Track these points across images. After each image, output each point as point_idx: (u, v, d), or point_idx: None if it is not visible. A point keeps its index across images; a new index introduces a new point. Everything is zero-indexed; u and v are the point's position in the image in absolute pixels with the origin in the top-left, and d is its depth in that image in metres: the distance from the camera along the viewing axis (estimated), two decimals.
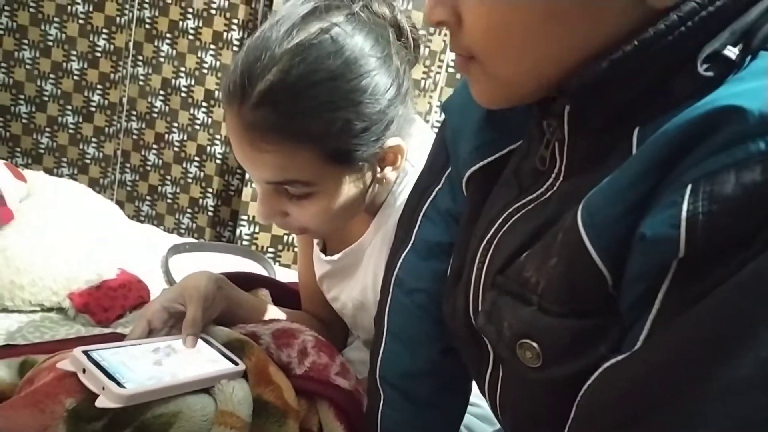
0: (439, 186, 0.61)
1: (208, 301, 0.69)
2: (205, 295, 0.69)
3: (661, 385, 0.32)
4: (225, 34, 1.95)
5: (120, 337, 0.87)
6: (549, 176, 0.44)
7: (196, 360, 0.62)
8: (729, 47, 0.35)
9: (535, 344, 0.39)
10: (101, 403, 0.51)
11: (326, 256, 0.84)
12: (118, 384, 0.53)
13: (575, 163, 0.42)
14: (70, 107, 2.05)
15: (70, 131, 2.08)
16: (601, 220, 0.35)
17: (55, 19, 1.96)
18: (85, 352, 0.55)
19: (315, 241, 0.88)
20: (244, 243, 1.94)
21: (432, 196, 0.62)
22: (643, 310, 0.34)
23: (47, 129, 2.07)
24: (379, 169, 0.69)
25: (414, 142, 0.72)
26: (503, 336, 0.43)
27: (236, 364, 0.64)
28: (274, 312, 0.85)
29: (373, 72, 0.63)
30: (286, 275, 1.28)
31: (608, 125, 0.39)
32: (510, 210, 0.46)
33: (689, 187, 0.31)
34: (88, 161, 2.11)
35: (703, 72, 0.35)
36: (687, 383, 0.30)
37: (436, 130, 0.64)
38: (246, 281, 0.90)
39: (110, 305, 0.97)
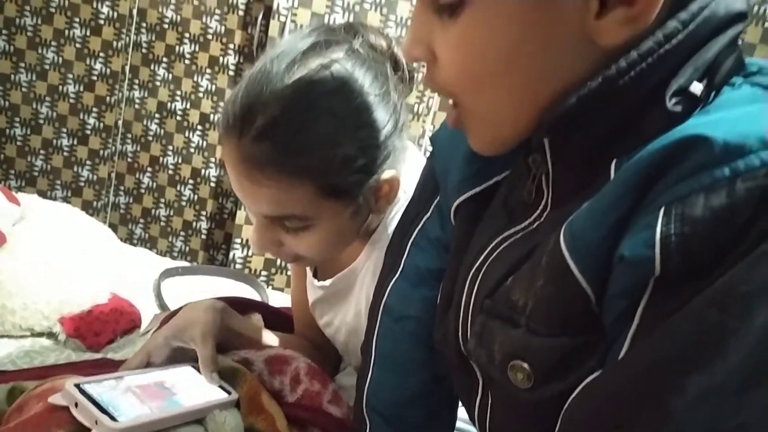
0: (428, 215, 0.62)
1: (217, 334, 0.69)
2: (215, 331, 0.69)
3: (638, 396, 0.33)
4: (221, 58, 1.97)
5: (110, 363, 0.87)
6: (537, 208, 0.46)
7: (189, 390, 0.62)
8: (695, 83, 0.37)
9: (525, 365, 0.40)
10: None
11: (318, 281, 0.84)
12: (111, 417, 0.52)
13: (560, 195, 0.43)
14: (65, 130, 2.06)
15: (65, 154, 2.08)
16: (582, 242, 0.37)
17: (53, 43, 1.98)
18: (77, 386, 0.55)
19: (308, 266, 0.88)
20: (237, 266, 1.93)
21: (421, 224, 0.62)
22: (624, 326, 0.35)
23: (42, 151, 2.08)
24: (374, 200, 0.69)
25: (406, 168, 0.72)
26: (494, 359, 0.43)
27: (229, 393, 0.63)
28: (267, 337, 0.84)
29: (372, 108, 0.63)
30: (279, 298, 1.28)
31: (588, 158, 0.41)
32: (498, 239, 0.48)
33: (662, 210, 0.33)
34: (82, 184, 2.11)
35: (671, 107, 0.37)
36: (663, 393, 0.32)
37: (429, 154, 0.65)
38: (239, 306, 0.89)
39: (101, 330, 0.96)
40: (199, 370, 0.66)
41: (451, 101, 0.46)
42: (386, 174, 0.67)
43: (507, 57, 0.39)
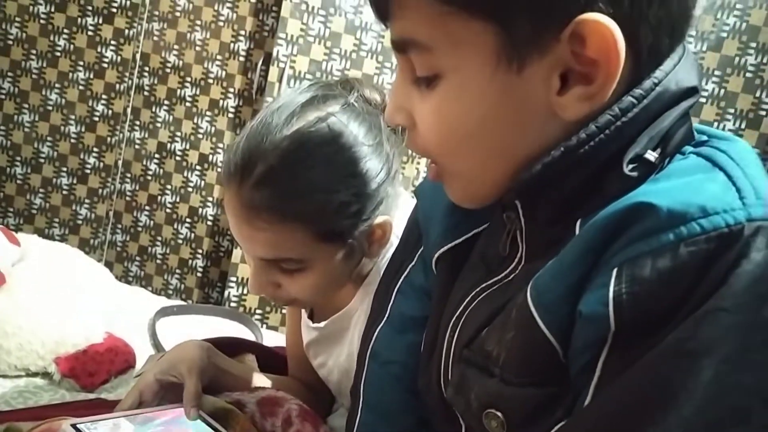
0: (413, 263, 0.65)
1: (204, 372, 0.71)
2: (201, 367, 0.71)
3: None
4: (221, 101, 2.03)
5: (104, 403, 0.87)
6: (512, 260, 0.49)
7: (183, 430, 0.63)
8: (649, 151, 0.41)
9: (499, 413, 0.42)
10: None
11: (314, 323, 0.85)
12: None
13: (533, 250, 0.46)
14: (65, 169, 2.10)
15: (64, 192, 2.11)
16: (547, 298, 0.40)
17: (56, 85, 2.04)
18: (74, 426, 0.56)
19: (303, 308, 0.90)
20: (233, 304, 1.94)
21: (406, 273, 0.65)
22: (587, 378, 0.37)
23: (41, 190, 2.11)
24: (367, 245, 0.72)
25: (399, 214, 0.75)
26: (471, 407, 0.45)
27: None
28: (259, 379, 0.85)
29: (365, 158, 0.67)
30: (274, 337, 1.29)
31: (556, 217, 0.44)
32: (477, 290, 0.50)
33: (615, 270, 0.36)
34: (79, 222, 2.13)
35: (628, 172, 0.40)
36: None
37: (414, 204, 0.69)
38: (233, 347, 0.91)
39: (96, 370, 0.97)
40: None
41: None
42: (379, 219, 0.70)
43: (478, 128, 0.42)
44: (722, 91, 1.76)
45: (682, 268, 0.34)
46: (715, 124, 1.77)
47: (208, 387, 0.74)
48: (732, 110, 1.77)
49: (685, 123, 0.42)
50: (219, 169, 2.06)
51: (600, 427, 0.35)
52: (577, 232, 0.41)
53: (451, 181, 0.48)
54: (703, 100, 1.78)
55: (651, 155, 0.40)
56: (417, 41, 0.41)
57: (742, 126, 1.77)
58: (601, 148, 0.40)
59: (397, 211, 0.75)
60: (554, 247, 0.42)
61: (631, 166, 0.40)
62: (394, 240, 0.77)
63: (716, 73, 1.76)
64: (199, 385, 0.68)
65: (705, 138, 0.42)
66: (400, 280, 0.65)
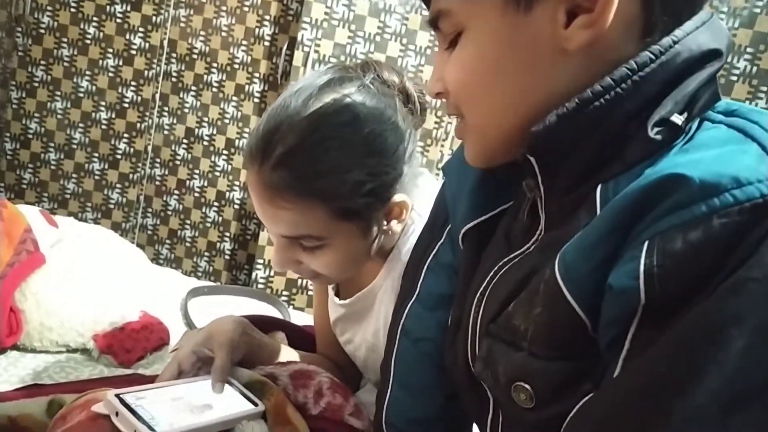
0: (441, 241, 0.66)
1: (234, 347, 0.73)
2: (232, 341, 0.73)
3: (626, 420, 0.35)
4: (247, 86, 2.05)
5: (141, 378, 0.91)
6: (534, 233, 0.49)
7: (221, 401, 0.66)
8: (675, 114, 0.40)
9: (527, 386, 0.43)
10: None
11: (340, 299, 0.87)
12: (149, 427, 0.55)
13: (552, 218, 0.47)
14: (96, 154, 2.15)
15: (96, 177, 2.17)
16: (576, 274, 0.40)
17: (87, 72, 2.08)
18: (118, 396, 0.58)
19: (330, 285, 0.91)
20: (260, 286, 1.98)
21: (435, 251, 0.66)
22: (617, 351, 0.38)
23: (74, 175, 2.16)
24: (385, 222, 0.73)
25: (421, 193, 0.76)
26: (499, 380, 0.46)
27: (256, 405, 0.67)
28: (290, 354, 0.88)
29: (381, 138, 0.68)
30: (300, 318, 1.31)
31: (575, 183, 0.44)
32: (500, 264, 0.51)
33: (645, 244, 0.36)
34: (111, 206, 2.19)
35: (653, 136, 0.40)
36: (649, 416, 0.34)
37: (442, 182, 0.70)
38: (263, 324, 0.93)
39: (132, 347, 1.00)
40: (229, 383, 0.70)
41: (457, 118, 0.51)
42: (396, 198, 0.72)
43: (493, 70, 0.44)
44: (755, 68, 1.72)
45: (714, 240, 0.34)
46: (747, 102, 1.73)
47: (244, 360, 0.76)
48: (764, 88, 1.73)
49: (711, 87, 0.42)
50: None
51: (628, 399, 0.36)
52: (597, 198, 0.41)
53: (469, 136, 0.50)
54: (734, 78, 1.74)
55: (677, 118, 0.40)
56: (442, 9, 0.46)
57: None
58: (618, 104, 0.40)
59: (417, 190, 0.76)
60: (573, 215, 0.43)
61: (656, 130, 0.40)
62: (416, 217, 0.78)
63: (748, 50, 1.71)
64: (228, 359, 0.71)
65: (734, 108, 0.41)
66: (429, 258, 0.66)
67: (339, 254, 0.72)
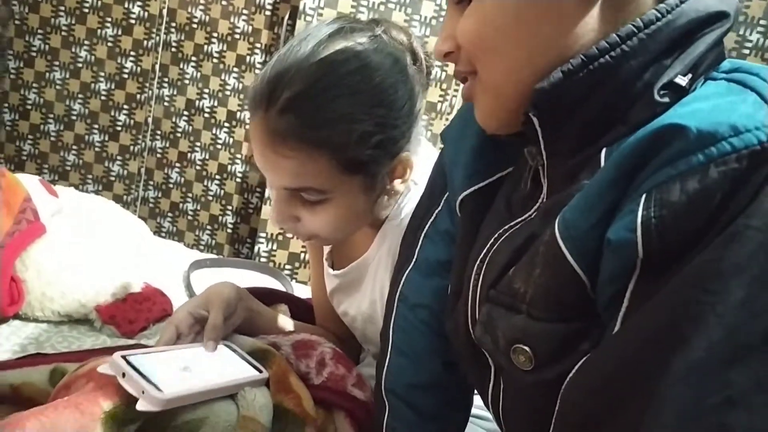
0: (439, 208, 0.65)
1: (230, 307, 0.73)
2: (227, 302, 0.72)
3: (626, 375, 0.35)
4: (248, 57, 2.01)
5: (145, 348, 0.90)
6: (536, 201, 0.48)
7: (224, 367, 0.65)
8: (680, 76, 0.40)
9: (527, 348, 0.43)
10: (142, 406, 0.53)
11: (334, 270, 0.87)
12: (157, 389, 0.55)
13: (555, 184, 0.46)
14: (96, 126, 2.13)
15: (96, 149, 2.15)
16: (576, 231, 0.39)
17: (86, 42, 2.05)
18: (124, 357, 0.58)
19: (324, 256, 0.91)
20: (262, 260, 1.97)
21: (432, 218, 0.66)
22: (615, 309, 0.37)
23: (74, 147, 2.14)
24: (388, 181, 0.72)
25: (417, 160, 0.75)
26: (498, 344, 0.46)
27: (260, 371, 0.67)
28: (292, 325, 0.88)
29: (390, 89, 0.66)
30: (303, 291, 1.31)
31: (578, 147, 0.43)
32: (500, 231, 0.50)
33: (643, 196, 0.35)
34: (112, 178, 2.17)
35: (659, 98, 0.40)
36: (649, 371, 0.33)
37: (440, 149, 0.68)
38: (267, 296, 0.93)
39: (135, 317, 1.00)
40: (232, 349, 0.70)
41: (467, 79, 0.49)
42: (402, 155, 0.70)
43: (514, 21, 0.43)
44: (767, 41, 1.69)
45: (712, 189, 0.33)
46: None
47: (243, 327, 0.76)
48: None
49: (716, 49, 0.41)
50: (247, 126, 2.06)
51: (628, 353, 0.35)
52: (602, 160, 0.40)
53: (480, 95, 0.48)
54: (746, 51, 1.70)
55: (681, 79, 0.40)
56: None
57: None
58: (624, 61, 0.39)
59: (416, 157, 0.74)
60: (575, 178, 0.42)
61: (662, 93, 0.40)
62: (412, 186, 0.77)
63: (761, 22, 1.68)
64: (222, 318, 0.70)
65: (735, 66, 0.41)
66: (427, 225, 0.66)
67: (340, 210, 0.70)
